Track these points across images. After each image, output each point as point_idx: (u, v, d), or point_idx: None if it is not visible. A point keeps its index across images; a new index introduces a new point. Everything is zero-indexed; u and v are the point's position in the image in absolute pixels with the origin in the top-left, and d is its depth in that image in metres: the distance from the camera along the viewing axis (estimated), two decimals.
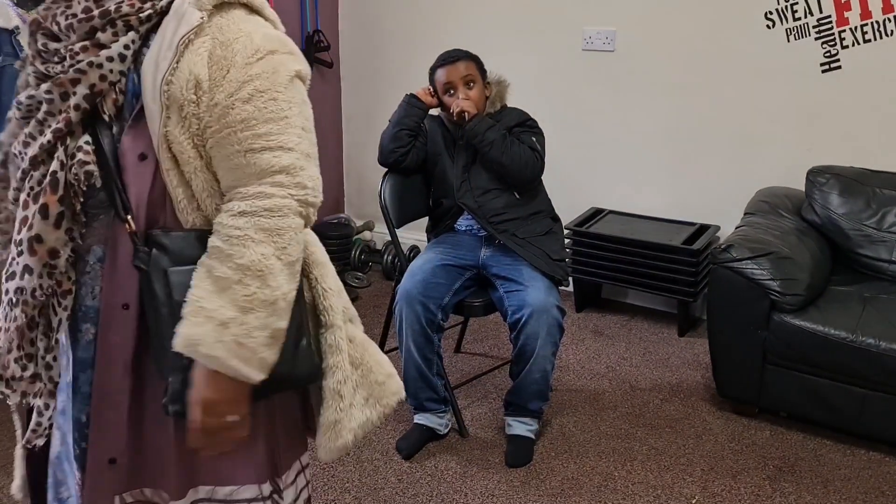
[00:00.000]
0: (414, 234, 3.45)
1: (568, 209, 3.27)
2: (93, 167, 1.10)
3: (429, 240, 2.73)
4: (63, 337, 1.21)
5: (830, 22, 2.93)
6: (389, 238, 2.76)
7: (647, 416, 2.68)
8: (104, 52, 1.09)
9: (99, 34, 1.10)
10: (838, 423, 2.49)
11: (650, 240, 3.19)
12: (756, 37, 3.05)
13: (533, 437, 2.48)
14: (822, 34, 2.95)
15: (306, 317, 1.24)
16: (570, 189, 3.46)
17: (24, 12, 2.23)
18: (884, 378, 2.34)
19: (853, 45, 2.91)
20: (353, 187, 4.28)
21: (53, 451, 1.29)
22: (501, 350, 3.14)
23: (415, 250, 3.69)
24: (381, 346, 2.81)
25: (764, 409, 2.64)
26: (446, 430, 2.54)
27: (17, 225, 1.14)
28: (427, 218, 2.75)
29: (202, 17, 1.10)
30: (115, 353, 1.15)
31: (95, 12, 1.10)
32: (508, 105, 2.62)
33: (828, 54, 2.96)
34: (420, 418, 2.51)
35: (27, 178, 1.13)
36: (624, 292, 3.57)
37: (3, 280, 1.15)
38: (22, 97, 1.13)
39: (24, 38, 1.16)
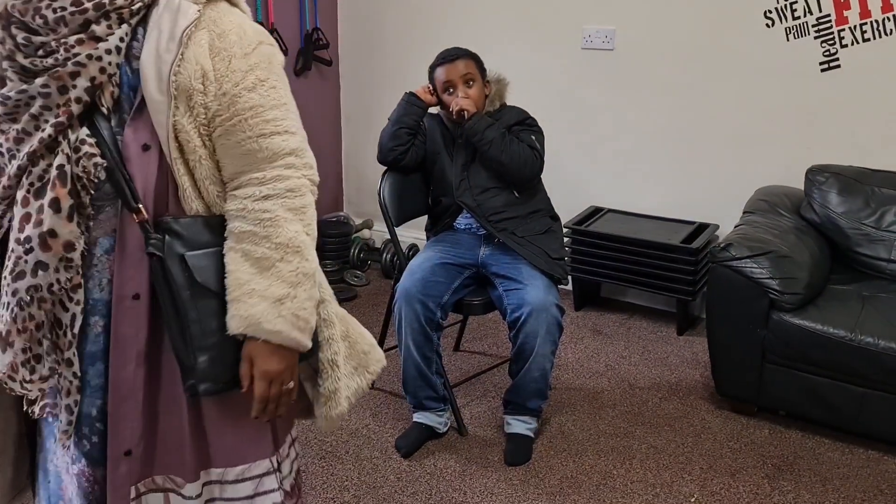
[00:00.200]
0: (413, 232, 3.45)
1: (567, 208, 3.27)
2: (100, 159, 1.12)
3: (428, 238, 2.73)
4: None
5: (830, 21, 2.93)
6: (388, 236, 2.76)
7: (646, 415, 2.68)
8: (102, 45, 1.10)
9: (93, 26, 1.11)
10: (837, 421, 2.49)
11: (649, 238, 3.19)
12: (755, 36, 3.05)
13: (532, 435, 2.48)
14: (822, 33, 2.95)
15: None
16: (569, 188, 3.46)
17: None
18: (882, 377, 2.34)
19: (852, 44, 2.91)
20: (351, 185, 4.27)
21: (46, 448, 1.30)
22: (500, 348, 3.14)
23: (414, 249, 3.69)
24: (381, 344, 2.80)
25: (763, 407, 2.64)
26: (445, 429, 2.54)
27: (16, 223, 1.13)
28: (426, 216, 2.75)
29: (199, 11, 1.15)
30: (128, 344, 1.17)
31: (89, 5, 1.10)
32: (508, 103, 2.62)
33: (827, 53, 2.96)
34: (419, 417, 2.51)
35: (25, 175, 1.12)
36: (623, 291, 3.57)
37: (7, 281, 1.13)
38: (10, 93, 1.11)
39: None
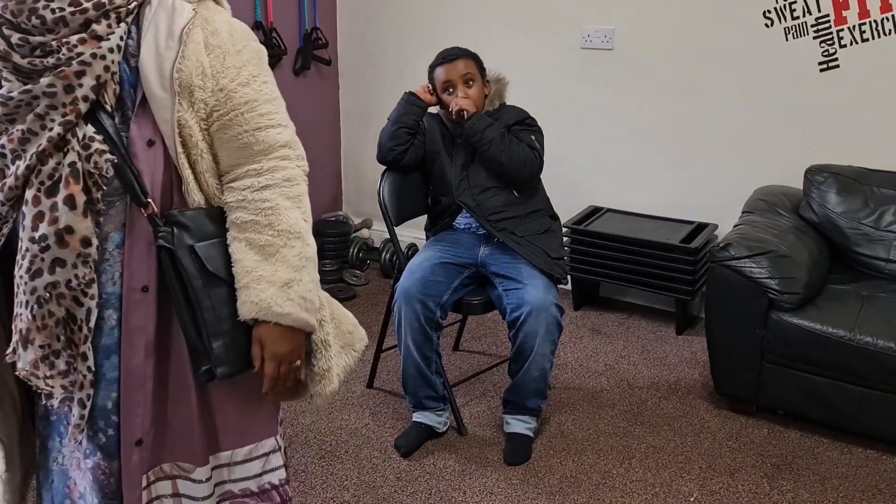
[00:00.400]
0: (412, 232, 3.46)
1: (566, 207, 3.28)
2: (110, 155, 1.15)
3: (427, 238, 2.73)
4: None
5: (828, 21, 2.93)
6: (387, 236, 2.76)
7: (645, 415, 2.69)
8: (105, 44, 1.13)
9: (94, 26, 1.13)
10: (836, 421, 2.50)
11: (648, 238, 3.19)
12: (754, 36, 3.06)
13: (531, 435, 2.48)
14: (821, 33, 2.96)
15: None
16: (568, 187, 3.47)
17: None
18: (881, 376, 2.34)
19: (851, 44, 2.91)
20: (350, 185, 4.27)
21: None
22: (500, 348, 3.14)
23: (413, 248, 3.69)
24: (380, 343, 2.81)
25: (762, 407, 2.65)
26: (445, 429, 2.55)
27: (27, 222, 1.14)
28: (425, 216, 2.75)
29: (194, 10, 1.19)
30: (137, 335, 1.21)
31: (88, 4, 1.12)
32: (507, 103, 2.62)
33: (826, 53, 2.96)
34: (419, 416, 2.51)
35: (34, 174, 1.13)
36: (622, 290, 3.58)
37: (25, 280, 1.15)
38: (13, 93, 1.12)
39: None
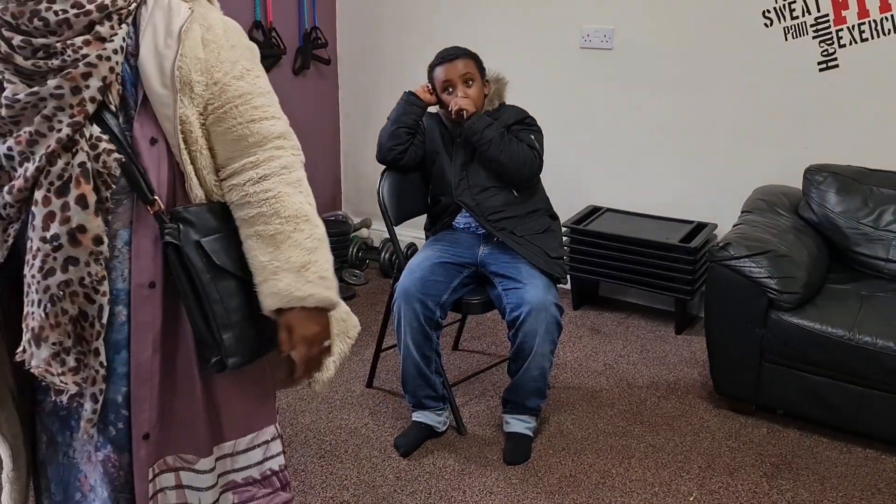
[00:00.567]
0: (412, 231, 3.46)
1: (566, 207, 3.27)
2: (118, 155, 1.16)
3: (427, 237, 2.73)
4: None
5: (828, 21, 2.93)
6: (386, 235, 2.76)
7: (645, 414, 2.69)
8: (109, 45, 1.15)
9: (98, 27, 1.15)
10: (835, 420, 2.50)
11: (648, 238, 3.19)
12: (754, 35, 3.06)
13: (531, 434, 2.48)
14: (820, 33, 2.96)
15: None
16: (568, 187, 3.47)
17: None
18: (881, 376, 2.34)
19: (850, 43, 2.92)
20: (350, 184, 4.27)
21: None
22: (499, 348, 3.14)
23: (412, 248, 3.69)
24: (379, 343, 2.81)
25: (761, 406, 2.65)
26: (444, 428, 2.55)
27: (38, 222, 1.16)
28: (425, 215, 2.75)
29: (190, 8, 1.21)
30: (145, 331, 1.23)
31: (91, 6, 1.14)
32: (507, 103, 2.62)
33: (825, 53, 2.96)
34: (418, 416, 2.51)
35: (43, 175, 1.15)
36: (621, 290, 3.58)
37: (37, 280, 1.17)
38: (19, 95, 1.12)
39: None
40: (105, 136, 1.16)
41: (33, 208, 1.16)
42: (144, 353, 1.23)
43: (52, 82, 1.12)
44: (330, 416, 2.66)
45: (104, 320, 1.20)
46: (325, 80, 4.02)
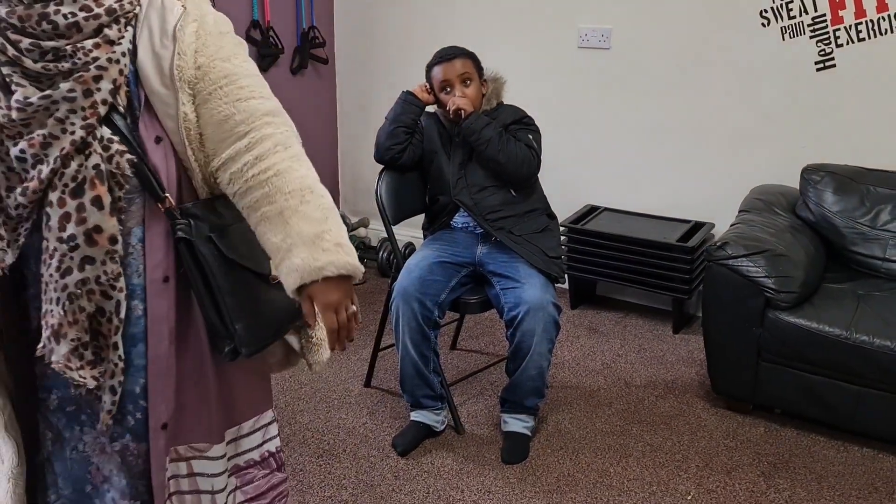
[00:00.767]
0: (410, 231, 3.46)
1: (564, 206, 3.28)
2: (130, 155, 1.19)
3: (425, 237, 2.73)
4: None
5: (825, 20, 2.94)
6: (384, 235, 2.76)
7: (643, 413, 2.69)
8: (118, 48, 1.17)
9: (106, 31, 1.17)
10: (832, 419, 2.50)
11: (645, 237, 3.20)
12: (751, 35, 3.06)
13: (529, 433, 2.49)
14: (817, 33, 2.96)
15: None
16: (565, 186, 3.47)
17: None
18: (878, 375, 2.35)
19: (847, 43, 2.92)
20: (347, 184, 4.27)
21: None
22: (497, 347, 3.14)
23: (410, 247, 3.69)
24: (377, 342, 2.81)
25: (758, 405, 2.65)
26: (442, 427, 2.55)
27: (54, 223, 1.18)
28: (423, 215, 2.75)
29: (183, 6, 1.23)
30: (161, 324, 1.26)
31: (100, 10, 1.16)
32: (505, 102, 2.62)
33: (822, 53, 2.97)
34: (416, 415, 2.51)
35: (57, 176, 1.17)
36: (619, 289, 3.58)
37: (55, 279, 1.19)
38: (31, 98, 1.14)
39: None
40: (116, 138, 1.18)
41: (48, 209, 1.18)
42: (161, 345, 1.26)
43: (64, 85, 1.14)
44: (328, 415, 2.66)
45: (122, 315, 1.23)
46: (322, 79, 4.02)
